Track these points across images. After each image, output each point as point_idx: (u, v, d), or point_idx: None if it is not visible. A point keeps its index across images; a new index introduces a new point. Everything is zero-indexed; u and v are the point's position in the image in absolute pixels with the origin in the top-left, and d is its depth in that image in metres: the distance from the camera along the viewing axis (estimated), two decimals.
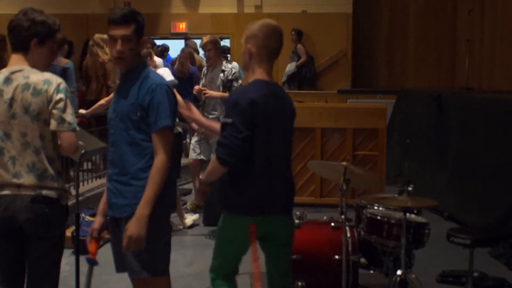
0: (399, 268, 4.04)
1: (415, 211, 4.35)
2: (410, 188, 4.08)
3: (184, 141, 8.59)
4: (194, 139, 7.00)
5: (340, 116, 7.62)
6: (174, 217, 6.50)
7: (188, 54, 8.87)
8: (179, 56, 8.93)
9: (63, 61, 7.70)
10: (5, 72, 3.14)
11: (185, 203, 7.44)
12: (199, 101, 7.31)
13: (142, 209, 3.03)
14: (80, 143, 3.49)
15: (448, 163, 7.71)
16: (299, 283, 4.21)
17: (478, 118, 6.99)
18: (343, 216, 4.04)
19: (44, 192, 3.08)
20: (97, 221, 3.37)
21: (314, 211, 7.02)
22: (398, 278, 4.02)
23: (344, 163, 4.11)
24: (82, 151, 3.86)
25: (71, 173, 7.10)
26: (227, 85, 6.63)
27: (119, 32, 3.12)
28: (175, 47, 11.95)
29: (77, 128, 3.16)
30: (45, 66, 3.20)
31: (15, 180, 3.05)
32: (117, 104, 3.21)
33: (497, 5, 10.36)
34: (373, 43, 13.47)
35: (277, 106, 3.30)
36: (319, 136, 7.57)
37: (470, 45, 10.70)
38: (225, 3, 13.23)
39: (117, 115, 3.19)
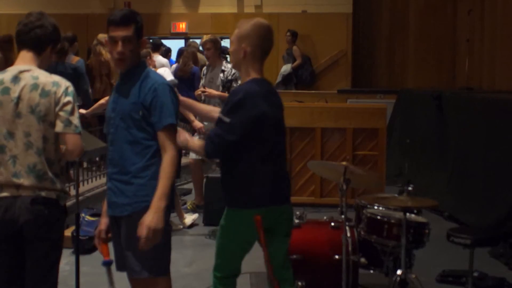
0: (399, 268, 4.04)
1: (415, 211, 4.35)
2: (410, 188, 4.08)
3: None
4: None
5: (340, 116, 7.62)
6: (174, 217, 6.50)
7: (191, 54, 8.87)
8: (183, 55, 8.92)
9: (74, 59, 7.71)
10: (13, 70, 3.14)
11: (185, 203, 7.44)
12: (199, 101, 7.31)
13: (159, 202, 3.02)
14: None
15: (448, 163, 7.71)
16: (299, 283, 4.21)
17: (478, 118, 6.99)
18: (343, 216, 4.04)
19: (44, 193, 3.08)
20: (103, 222, 3.36)
21: (314, 211, 7.02)
22: (398, 278, 4.02)
23: (344, 163, 4.11)
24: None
25: (71, 173, 7.10)
26: (226, 85, 6.63)
27: (119, 33, 3.12)
28: (175, 47, 11.94)
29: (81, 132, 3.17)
30: (44, 69, 3.22)
31: (14, 180, 3.05)
32: (117, 103, 3.21)
33: (497, 5, 10.36)
34: (373, 43, 13.47)
35: (276, 101, 3.44)
36: (319, 136, 7.58)
37: (470, 45, 10.71)
38: (225, 3, 13.23)
39: (117, 114, 3.19)
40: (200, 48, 8.89)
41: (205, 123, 6.38)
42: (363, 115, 7.61)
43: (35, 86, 3.08)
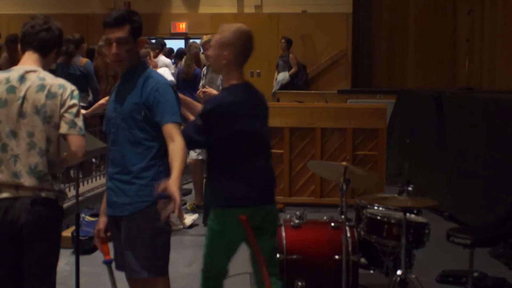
0: (399, 268, 4.04)
1: (415, 211, 4.35)
2: (410, 188, 4.08)
3: None
4: None
5: (340, 116, 7.62)
6: (174, 217, 6.50)
7: (193, 55, 8.87)
8: (185, 57, 8.92)
9: (83, 61, 7.72)
10: (19, 70, 3.15)
11: (185, 203, 7.44)
12: (200, 102, 7.30)
13: (174, 183, 2.84)
14: None
15: (448, 163, 7.70)
16: (299, 283, 4.20)
17: (478, 118, 6.99)
18: (343, 216, 4.04)
19: (44, 194, 3.08)
20: (102, 221, 3.38)
21: (314, 211, 7.02)
22: (398, 278, 4.02)
23: (344, 163, 4.11)
24: None
25: (71, 173, 7.10)
26: None
27: (113, 35, 3.13)
28: (175, 48, 11.96)
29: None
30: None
31: (14, 179, 3.04)
32: (118, 103, 3.21)
33: (497, 5, 10.36)
34: (373, 43, 13.48)
35: (259, 105, 3.50)
36: (319, 136, 7.57)
37: (470, 45, 10.71)
38: (225, 3, 13.23)
39: (118, 114, 3.18)
40: (200, 48, 8.89)
41: None
42: (363, 115, 7.61)
43: (41, 87, 3.08)
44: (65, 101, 3.10)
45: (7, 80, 3.10)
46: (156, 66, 7.34)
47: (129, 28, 3.14)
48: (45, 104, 3.06)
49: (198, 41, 10.26)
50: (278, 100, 11.25)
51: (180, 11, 13.42)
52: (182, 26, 13.35)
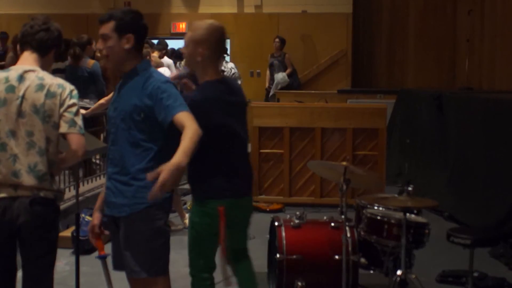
0: (399, 268, 4.04)
1: (415, 211, 4.34)
2: (410, 188, 4.08)
3: None
4: None
5: (340, 116, 7.62)
6: (174, 217, 6.51)
7: None
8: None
9: (90, 63, 7.72)
10: (18, 69, 3.15)
11: (185, 203, 7.43)
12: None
13: (179, 158, 2.81)
14: None
15: (448, 163, 7.71)
16: (299, 283, 4.21)
17: (478, 118, 6.99)
18: (343, 216, 4.04)
19: (42, 193, 3.08)
20: (96, 217, 3.40)
21: (314, 211, 7.02)
22: (398, 278, 4.02)
23: (344, 163, 4.12)
24: None
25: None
26: None
27: (99, 31, 3.18)
28: (175, 48, 11.95)
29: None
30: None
31: (13, 179, 3.04)
32: (118, 103, 3.21)
33: (497, 5, 10.37)
34: (373, 43, 13.48)
35: (235, 100, 3.50)
36: (319, 136, 7.57)
37: (470, 45, 10.72)
38: (225, 3, 13.23)
39: (118, 114, 3.18)
40: None
41: None
42: (363, 115, 7.61)
43: (40, 87, 3.08)
44: (64, 100, 3.10)
45: (6, 79, 3.10)
46: (156, 66, 7.34)
47: (114, 24, 3.14)
48: (44, 103, 3.06)
49: None
50: (278, 100, 11.25)
51: (180, 11, 13.42)
52: (182, 26, 13.34)
